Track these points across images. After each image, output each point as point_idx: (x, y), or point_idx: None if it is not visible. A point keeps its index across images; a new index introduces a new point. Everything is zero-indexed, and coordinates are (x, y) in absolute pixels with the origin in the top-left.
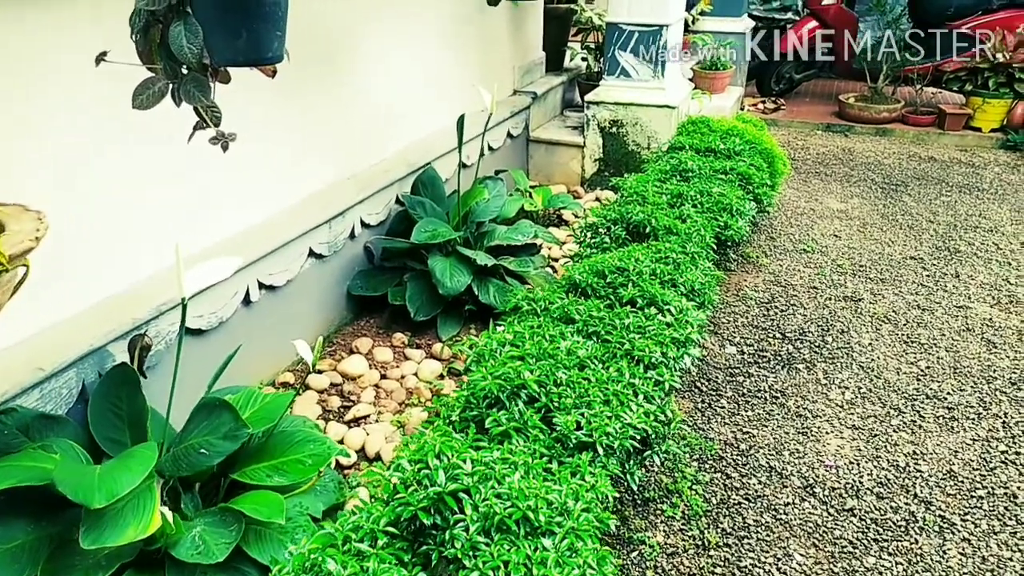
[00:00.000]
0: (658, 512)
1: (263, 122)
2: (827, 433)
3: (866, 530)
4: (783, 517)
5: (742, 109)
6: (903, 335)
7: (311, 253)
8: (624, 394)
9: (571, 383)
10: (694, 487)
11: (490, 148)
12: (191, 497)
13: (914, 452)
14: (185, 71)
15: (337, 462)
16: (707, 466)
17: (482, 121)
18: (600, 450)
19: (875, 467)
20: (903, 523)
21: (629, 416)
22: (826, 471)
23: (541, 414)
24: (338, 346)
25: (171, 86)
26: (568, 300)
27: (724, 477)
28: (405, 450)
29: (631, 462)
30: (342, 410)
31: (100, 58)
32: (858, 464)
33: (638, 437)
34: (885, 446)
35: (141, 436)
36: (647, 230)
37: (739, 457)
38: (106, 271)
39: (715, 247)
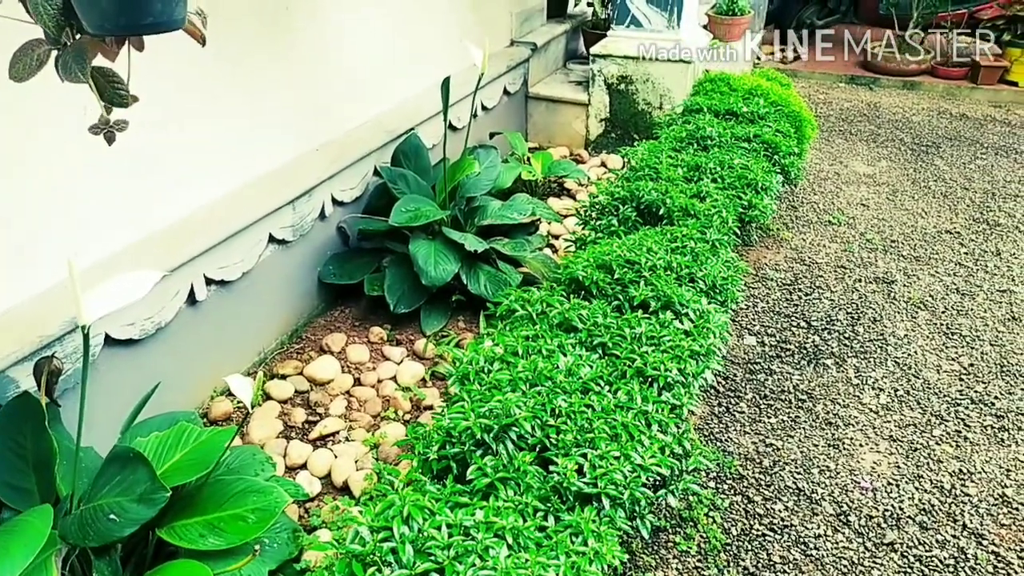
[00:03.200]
0: (670, 545)
1: (204, 90)
2: (861, 446)
3: (909, 570)
4: (814, 553)
5: (759, 59)
6: (942, 325)
7: (272, 239)
8: (635, 426)
9: (572, 413)
10: (711, 514)
11: (484, 108)
12: (107, 562)
13: (960, 471)
14: (75, 37)
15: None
16: (726, 487)
17: (475, 78)
18: (606, 502)
19: (917, 489)
20: (952, 561)
21: (640, 455)
22: (861, 494)
23: (536, 453)
24: (307, 343)
25: (54, 54)
26: (570, 304)
27: (745, 501)
28: (367, 510)
29: (642, 505)
30: (307, 426)
31: None
32: (898, 485)
33: (652, 480)
34: (927, 463)
35: (49, 482)
36: (660, 211)
37: (762, 476)
38: (3, 280)
39: (738, 230)
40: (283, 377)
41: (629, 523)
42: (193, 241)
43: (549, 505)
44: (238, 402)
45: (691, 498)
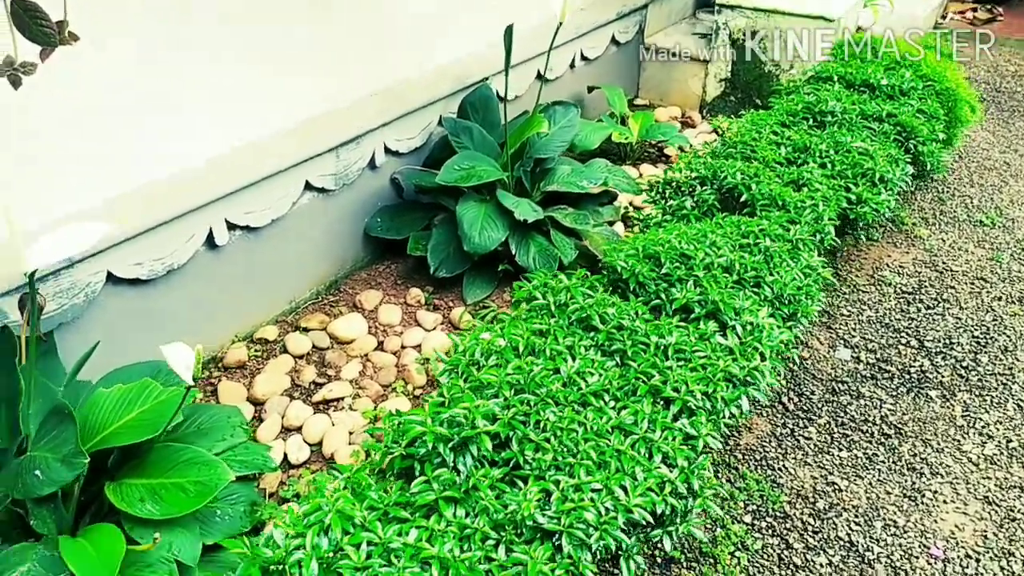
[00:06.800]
0: None
1: (242, 23)
2: (946, 503)
3: None
4: None
5: (943, 18)
6: None
7: (309, 186)
8: (630, 455)
9: (559, 429)
10: (737, 554)
11: (584, 58)
12: (51, 510)
13: None
14: None
15: (285, 457)
16: (763, 524)
17: (583, 23)
18: (566, 543)
19: (1001, 569)
20: None
21: (627, 491)
22: (929, 563)
23: (508, 469)
24: (343, 296)
25: None
26: (595, 298)
27: (783, 546)
28: (290, 511)
29: (631, 541)
30: (313, 387)
31: None
32: (978, 560)
33: (641, 522)
34: None
35: (13, 421)
36: (743, 197)
37: (811, 519)
38: None
39: (836, 228)
40: (305, 330)
41: (599, 569)
42: (212, 185)
43: (502, 536)
44: (255, 350)
45: (717, 532)
